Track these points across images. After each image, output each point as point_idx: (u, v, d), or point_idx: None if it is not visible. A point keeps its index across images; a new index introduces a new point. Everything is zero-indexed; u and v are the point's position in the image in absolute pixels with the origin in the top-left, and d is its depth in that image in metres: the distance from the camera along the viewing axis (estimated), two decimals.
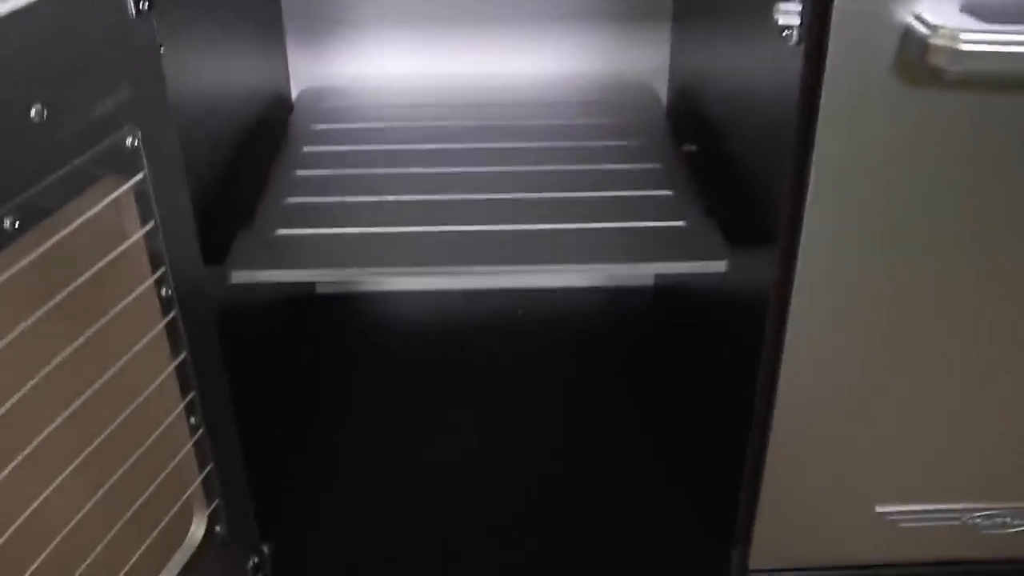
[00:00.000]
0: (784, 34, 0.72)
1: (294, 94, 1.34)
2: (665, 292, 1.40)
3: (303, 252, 0.92)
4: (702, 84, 1.11)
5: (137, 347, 0.70)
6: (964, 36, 0.66)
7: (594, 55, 1.33)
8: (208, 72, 0.91)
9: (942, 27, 0.66)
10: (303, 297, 1.44)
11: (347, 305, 1.46)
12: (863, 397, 0.86)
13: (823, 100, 0.71)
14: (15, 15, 0.55)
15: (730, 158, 0.96)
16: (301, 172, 1.08)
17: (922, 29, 0.67)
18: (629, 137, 1.14)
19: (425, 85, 1.32)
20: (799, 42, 0.72)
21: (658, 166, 1.06)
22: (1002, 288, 0.80)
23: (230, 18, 1.03)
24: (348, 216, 0.99)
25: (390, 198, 1.02)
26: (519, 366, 1.30)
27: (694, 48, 1.17)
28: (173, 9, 0.75)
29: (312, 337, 1.39)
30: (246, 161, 1.04)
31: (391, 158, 1.12)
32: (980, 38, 0.66)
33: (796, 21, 0.71)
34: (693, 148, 1.08)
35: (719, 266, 0.89)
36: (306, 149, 1.14)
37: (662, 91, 1.32)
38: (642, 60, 1.33)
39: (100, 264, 0.65)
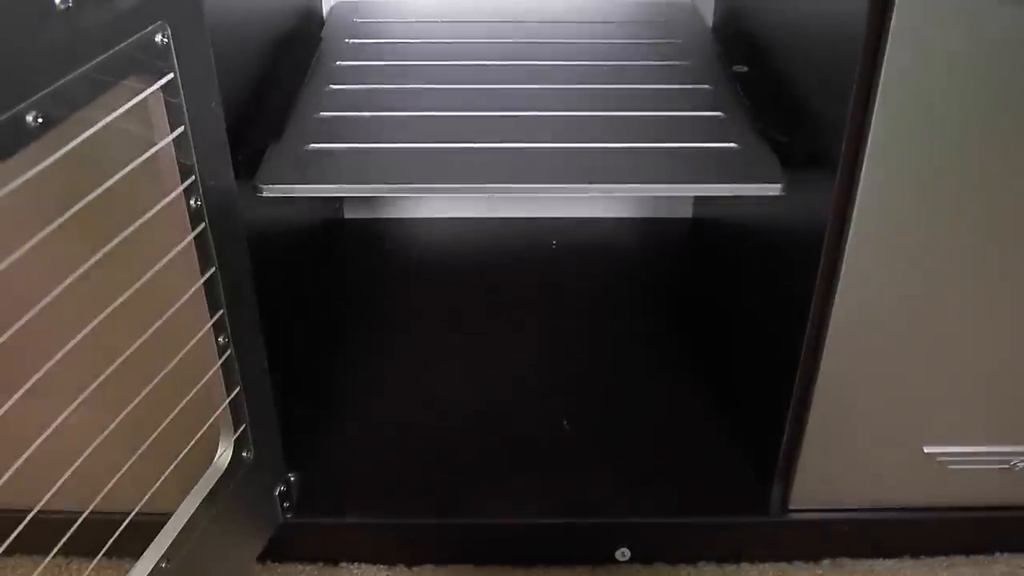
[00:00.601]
0: None
1: (326, 7, 1.29)
2: (705, 223, 1.35)
3: (335, 167, 0.88)
4: (753, 3, 1.06)
5: (165, 259, 0.66)
6: None
7: None
8: None
9: None
10: (333, 222, 1.40)
11: (377, 230, 1.43)
12: (915, 335, 0.82)
13: (894, 13, 0.66)
14: None
15: (784, 79, 0.91)
16: (333, 86, 1.03)
17: None
18: (675, 57, 1.10)
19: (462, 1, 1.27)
20: None
21: (707, 86, 1.02)
22: None
23: None
24: (381, 132, 0.94)
25: (423, 114, 0.98)
26: (553, 297, 1.27)
27: None
28: None
29: (340, 263, 1.36)
30: (277, 74, 0.99)
31: (425, 74, 1.07)
32: None
33: None
34: (744, 69, 1.03)
35: (774, 189, 0.84)
36: (338, 63, 1.10)
37: (708, 12, 1.27)
38: None
39: (127, 168, 0.61)
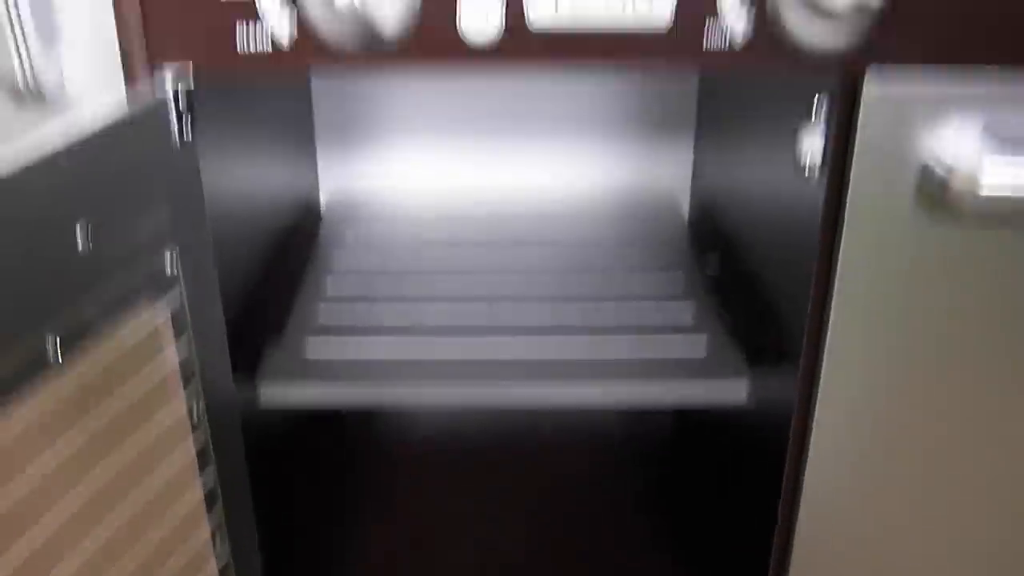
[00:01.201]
0: (806, 168, 0.74)
1: (323, 200, 1.37)
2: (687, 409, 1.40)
3: (332, 370, 0.94)
4: (724, 199, 1.13)
5: (165, 462, 0.71)
6: (984, 179, 0.67)
7: (618, 165, 1.36)
8: (242, 182, 0.94)
9: (961, 166, 0.68)
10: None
11: (369, 417, 1.47)
12: (887, 528, 0.86)
13: (844, 233, 0.73)
14: (70, 146, 0.57)
15: (751, 278, 0.97)
16: (331, 283, 1.10)
17: (941, 168, 0.69)
18: (651, 252, 1.16)
19: (451, 192, 1.35)
20: (820, 177, 0.73)
21: (679, 285, 1.08)
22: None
23: (267, 131, 1.06)
24: (375, 332, 1.01)
25: (416, 312, 1.05)
26: (541, 483, 1.30)
27: (716, 162, 1.20)
28: (212, 126, 0.78)
29: (334, 449, 1.39)
30: (276, 270, 1.06)
31: (417, 270, 1.14)
32: (1000, 180, 0.68)
33: (818, 156, 0.73)
34: (715, 266, 1.09)
35: (738, 395, 0.90)
36: (334, 259, 1.16)
37: (685, 202, 1.35)
38: (665, 171, 1.36)
39: (132, 381, 0.66)
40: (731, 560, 1.05)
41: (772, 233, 0.91)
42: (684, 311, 1.02)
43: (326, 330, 1.00)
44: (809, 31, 0.65)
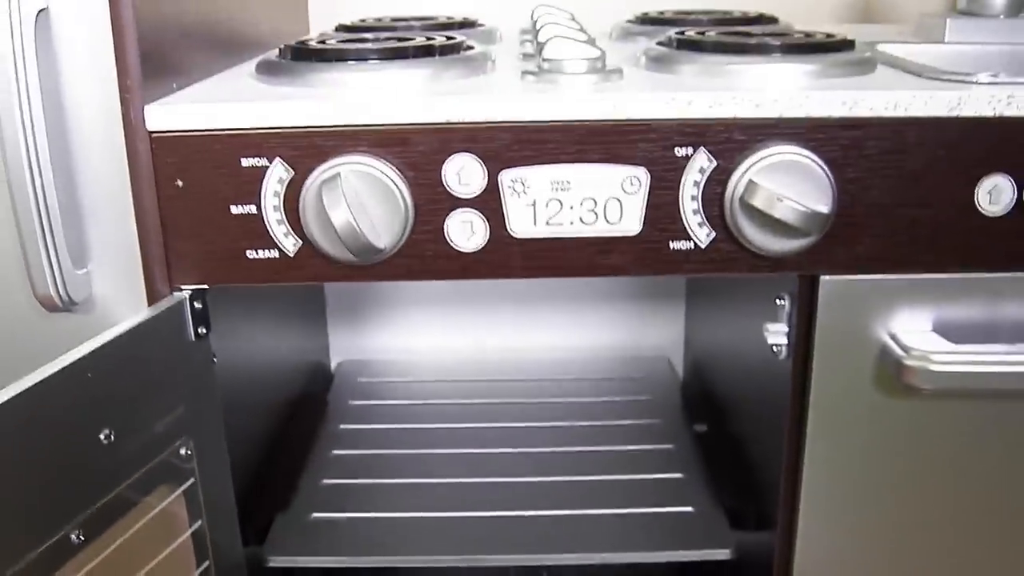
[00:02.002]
0: (774, 350, 0.80)
1: (333, 364, 1.43)
2: None
3: (338, 539, 0.99)
4: (711, 364, 1.19)
5: None
6: (935, 358, 0.73)
7: (615, 331, 1.42)
8: (255, 359, 1.00)
9: (914, 349, 0.74)
10: None
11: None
12: None
13: (810, 408, 0.78)
14: (95, 351, 0.64)
15: (734, 443, 1.02)
16: (337, 452, 1.15)
17: (897, 350, 0.75)
18: (645, 416, 1.21)
19: (455, 359, 1.41)
20: (787, 357, 0.79)
21: (671, 447, 1.13)
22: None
23: (279, 307, 1.13)
24: (380, 501, 1.05)
25: (419, 482, 1.10)
26: None
27: (703, 328, 1.26)
28: (225, 314, 0.84)
29: None
30: (286, 439, 1.11)
31: (421, 438, 1.19)
32: (950, 359, 0.73)
33: (784, 340, 0.79)
34: (704, 428, 1.14)
35: (723, 554, 0.94)
36: (342, 427, 1.22)
37: (680, 365, 1.40)
38: (661, 335, 1.42)
39: (150, 556, 0.71)
40: None
41: (749, 403, 0.97)
42: (674, 481, 1.06)
43: (330, 501, 1.05)
44: (763, 238, 0.71)
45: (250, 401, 0.97)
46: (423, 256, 0.74)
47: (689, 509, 1.01)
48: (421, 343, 1.44)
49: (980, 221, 0.74)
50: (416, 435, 1.20)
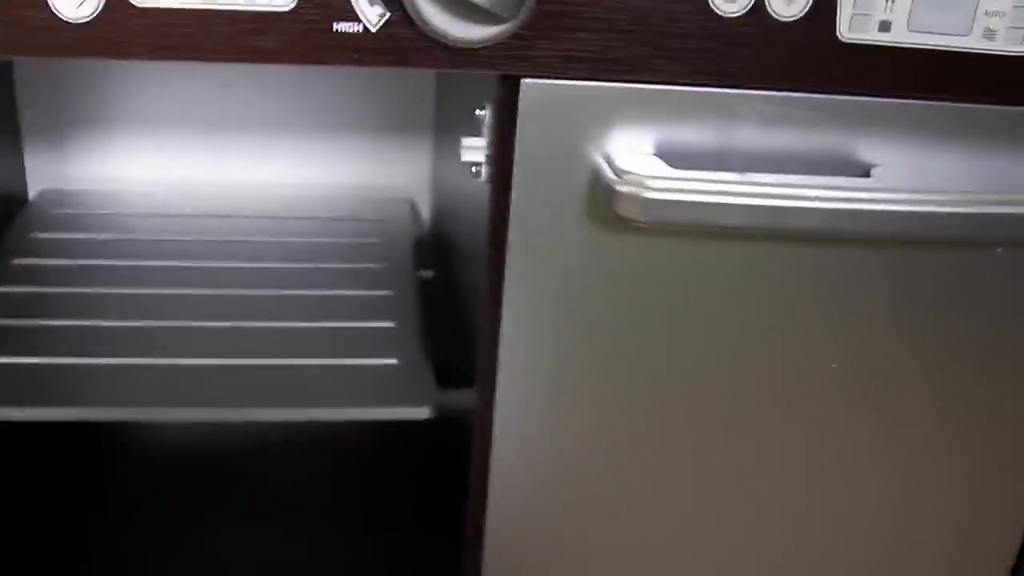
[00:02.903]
0: (472, 171, 0.67)
1: (31, 197, 1.23)
2: None
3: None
4: (450, 205, 1.06)
5: None
6: (651, 183, 0.62)
7: (356, 168, 1.27)
8: None
9: (629, 173, 0.62)
10: None
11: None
12: (576, 549, 0.80)
13: (510, 242, 0.66)
14: None
15: (453, 290, 0.90)
16: (7, 289, 0.98)
17: (610, 173, 0.63)
18: (372, 260, 1.08)
19: (173, 193, 1.24)
20: (487, 180, 0.66)
21: (389, 293, 1.00)
22: (704, 429, 0.76)
23: None
24: (57, 344, 0.91)
25: (100, 324, 0.94)
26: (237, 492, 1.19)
27: (447, 166, 1.12)
28: None
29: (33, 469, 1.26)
30: None
31: (112, 277, 1.03)
32: (668, 186, 0.62)
33: (481, 158, 0.66)
34: (429, 274, 1.02)
35: (421, 412, 0.82)
36: (15, 262, 1.04)
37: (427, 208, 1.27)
38: (408, 174, 1.28)
39: None
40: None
41: (465, 243, 0.84)
42: (384, 331, 0.94)
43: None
44: (446, 21, 0.57)
45: None
46: (23, 25, 0.56)
47: (393, 362, 0.88)
48: (134, 173, 1.26)
49: (714, 22, 0.61)
50: (107, 273, 1.03)
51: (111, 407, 0.86)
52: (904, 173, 0.67)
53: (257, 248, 1.11)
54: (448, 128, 1.13)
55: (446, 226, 1.07)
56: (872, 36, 0.63)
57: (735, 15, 0.61)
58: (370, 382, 0.86)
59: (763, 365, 0.73)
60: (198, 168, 1.26)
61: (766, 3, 0.61)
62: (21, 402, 0.83)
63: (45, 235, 1.12)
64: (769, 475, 0.78)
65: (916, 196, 0.64)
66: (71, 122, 1.23)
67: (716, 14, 0.61)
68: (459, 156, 0.84)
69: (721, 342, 0.71)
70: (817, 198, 0.63)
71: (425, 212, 1.28)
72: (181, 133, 1.24)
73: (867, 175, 0.67)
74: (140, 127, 1.24)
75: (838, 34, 0.63)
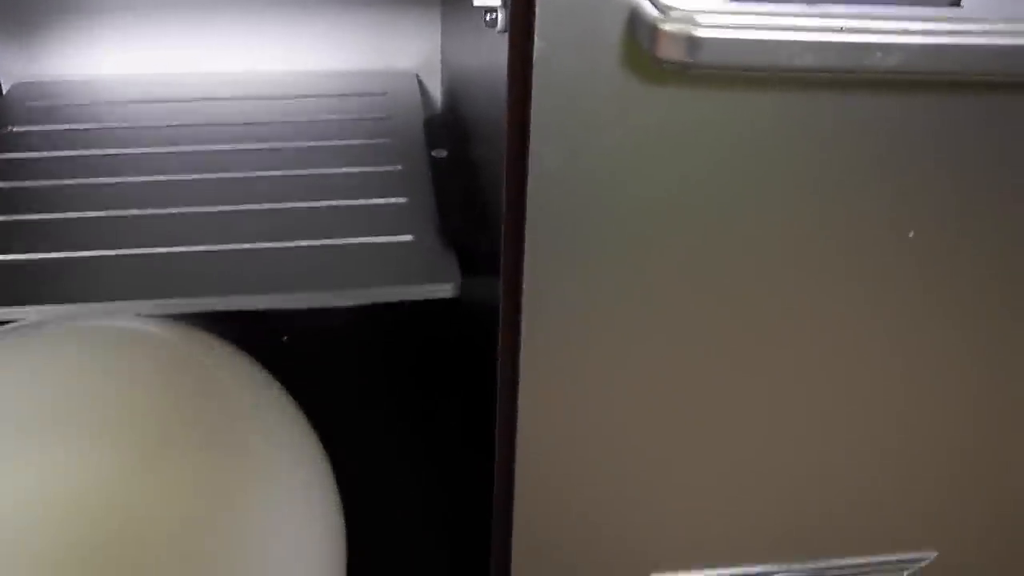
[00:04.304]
0: (488, 18, 0.57)
1: (5, 89, 1.14)
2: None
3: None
4: (456, 82, 0.96)
5: None
6: (702, 19, 0.51)
7: (358, 44, 1.17)
8: None
9: (676, 8, 0.52)
10: None
11: None
12: (614, 449, 0.71)
13: (534, 102, 0.56)
14: None
15: (470, 169, 0.80)
16: None
17: (651, 10, 0.52)
18: (377, 135, 0.99)
19: (159, 79, 1.14)
20: (504, 29, 0.56)
21: (400, 168, 0.91)
22: (765, 309, 0.66)
23: None
24: (48, 239, 0.85)
25: (92, 215, 0.88)
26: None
27: (457, 40, 1.02)
28: None
29: None
30: None
31: (100, 164, 0.96)
32: (724, 22, 0.52)
33: (497, 2, 0.55)
34: (443, 154, 0.92)
35: (445, 290, 0.74)
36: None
37: (436, 86, 1.17)
38: (414, 50, 1.17)
39: None
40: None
41: (482, 117, 0.74)
42: (400, 208, 0.86)
43: None
44: None
45: None
46: None
47: (408, 238, 0.80)
48: (115, 65, 1.15)
49: None
50: (94, 163, 0.96)
51: (106, 301, 0.79)
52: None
53: (253, 129, 1.04)
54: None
55: (458, 104, 0.97)
56: None
57: None
58: (387, 260, 0.79)
59: (829, 237, 0.63)
60: (187, 54, 1.16)
61: None
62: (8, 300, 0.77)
63: (22, 128, 1.03)
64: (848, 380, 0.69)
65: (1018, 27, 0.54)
66: (43, 8, 1.12)
67: None
68: (469, 22, 0.73)
69: (778, 209, 0.61)
70: (901, 31, 0.52)
71: (435, 93, 1.18)
72: (165, 17, 1.14)
73: (956, 3, 0.56)
74: (121, 13, 1.13)
75: None
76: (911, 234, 0.64)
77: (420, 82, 1.16)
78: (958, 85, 0.58)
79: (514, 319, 0.64)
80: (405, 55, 1.16)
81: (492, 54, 0.62)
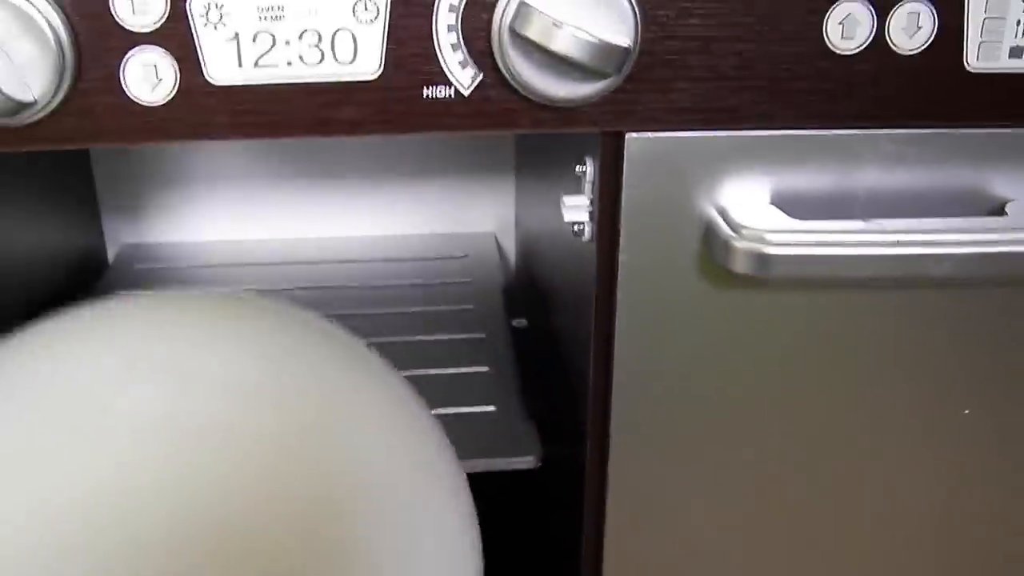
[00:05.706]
0: (575, 230, 0.63)
1: (112, 252, 1.22)
2: None
3: None
4: (535, 252, 1.02)
5: None
6: (772, 238, 0.57)
7: (439, 212, 1.24)
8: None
9: (747, 227, 0.58)
10: None
11: None
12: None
13: (619, 304, 0.62)
14: None
15: (550, 340, 0.86)
16: None
17: (725, 228, 0.58)
18: (460, 302, 1.05)
19: (255, 245, 1.22)
20: (591, 239, 0.62)
21: (482, 336, 0.97)
22: (823, 495, 0.71)
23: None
24: None
25: None
26: None
27: (532, 207, 1.09)
28: None
29: None
30: None
31: None
32: (791, 240, 0.58)
33: (584, 217, 0.62)
34: (523, 323, 0.98)
35: (527, 462, 0.79)
36: None
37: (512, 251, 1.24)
38: (490, 216, 1.24)
39: None
40: None
41: (562, 296, 0.80)
42: (481, 378, 0.91)
43: None
44: (544, 81, 0.53)
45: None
46: (93, 112, 0.54)
47: (491, 409, 0.85)
48: (213, 229, 1.24)
49: (830, 61, 0.57)
50: None
51: None
52: None
53: (347, 293, 1.09)
54: (528, 164, 1.09)
55: (535, 270, 1.03)
56: (1003, 64, 0.58)
57: (853, 52, 0.57)
58: (470, 431, 0.82)
59: (893, 418, 0.68)
60: (280, 222, 1.23)
61: (886, 37, 0.56)
62: None
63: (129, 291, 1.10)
64: (903, 539, 0.73)
65: None
66: (147, 179, 1.21)
67: (832, 52, 0.57)
68: (544, 197, 0.79)
69: (844, 396, 0.67)
70: (951, 243, 0.58)
71: (510, 255, 1.24)
72: (260, 187, 1.22)
73: (1000, 212, 0.62)
74: (221, 183, 1.22)
75: (964, 64, 0.58)
76: (966, 411, 0.68)
77: (498, 241, 1.22)
78: (1006, 283, 0.63)
79: (600, 496, 0.69)
80: (484, 218, 1.23)
81: (571, 242, 0.68)
